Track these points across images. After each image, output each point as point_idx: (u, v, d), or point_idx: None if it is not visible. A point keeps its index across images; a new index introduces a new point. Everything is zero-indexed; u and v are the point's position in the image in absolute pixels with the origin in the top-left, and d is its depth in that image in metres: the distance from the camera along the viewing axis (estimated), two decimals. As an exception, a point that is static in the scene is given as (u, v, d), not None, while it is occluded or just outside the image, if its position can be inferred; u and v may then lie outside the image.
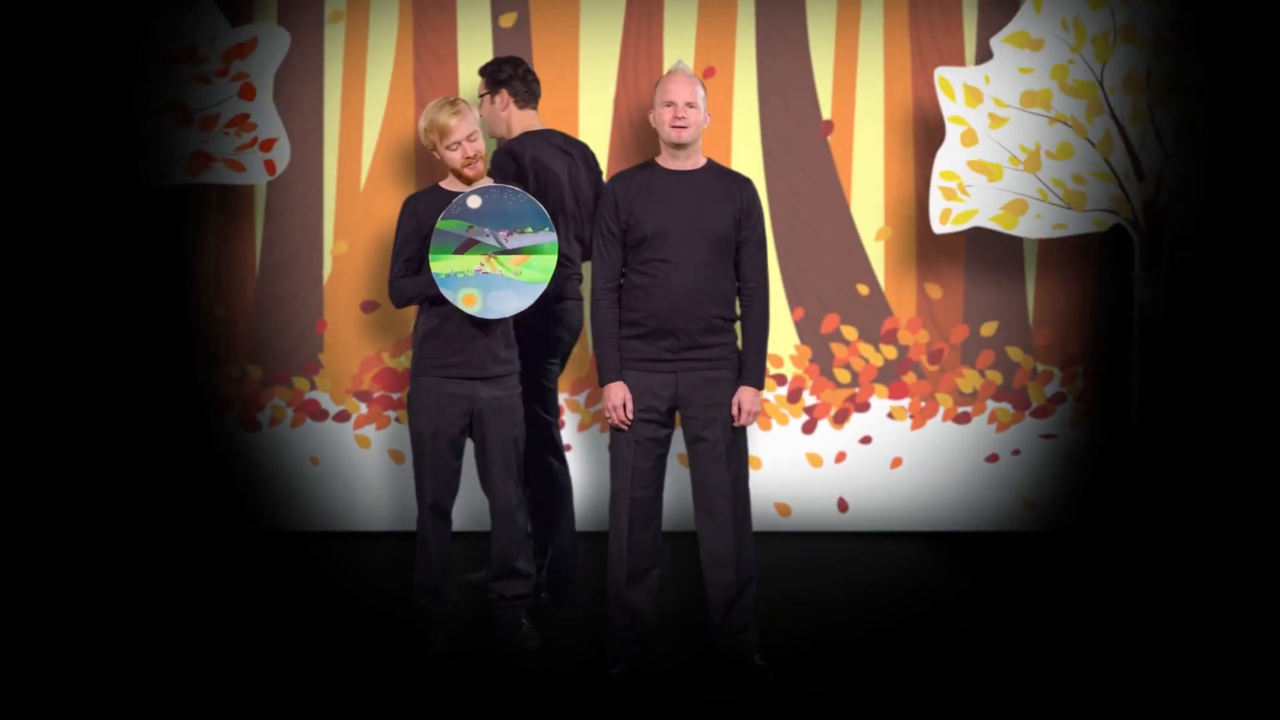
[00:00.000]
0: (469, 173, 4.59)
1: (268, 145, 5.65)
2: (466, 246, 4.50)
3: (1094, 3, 5.66)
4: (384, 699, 4.38)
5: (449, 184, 4.66)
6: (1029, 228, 5.74)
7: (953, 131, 5.71)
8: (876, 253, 6.10)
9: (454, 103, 4.61)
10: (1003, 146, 5.72)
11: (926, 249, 6.07)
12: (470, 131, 4.57)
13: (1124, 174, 5.73)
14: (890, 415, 6.19)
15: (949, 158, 5.73)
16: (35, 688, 4.42)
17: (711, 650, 4.64)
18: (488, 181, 4.66)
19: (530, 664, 4.67)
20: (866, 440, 6.17)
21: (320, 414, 6.12)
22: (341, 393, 6.12)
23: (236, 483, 6.04)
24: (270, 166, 5.68)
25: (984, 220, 5.73)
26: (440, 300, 4.54)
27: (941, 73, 5.71)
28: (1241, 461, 5.84)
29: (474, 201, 4.51)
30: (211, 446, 6.05)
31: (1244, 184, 5.69)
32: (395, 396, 6.12)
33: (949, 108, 5.70)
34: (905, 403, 6.18)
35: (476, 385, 4.64)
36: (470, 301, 4.51)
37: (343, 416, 6.14)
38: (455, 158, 4.58)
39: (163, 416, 5.97)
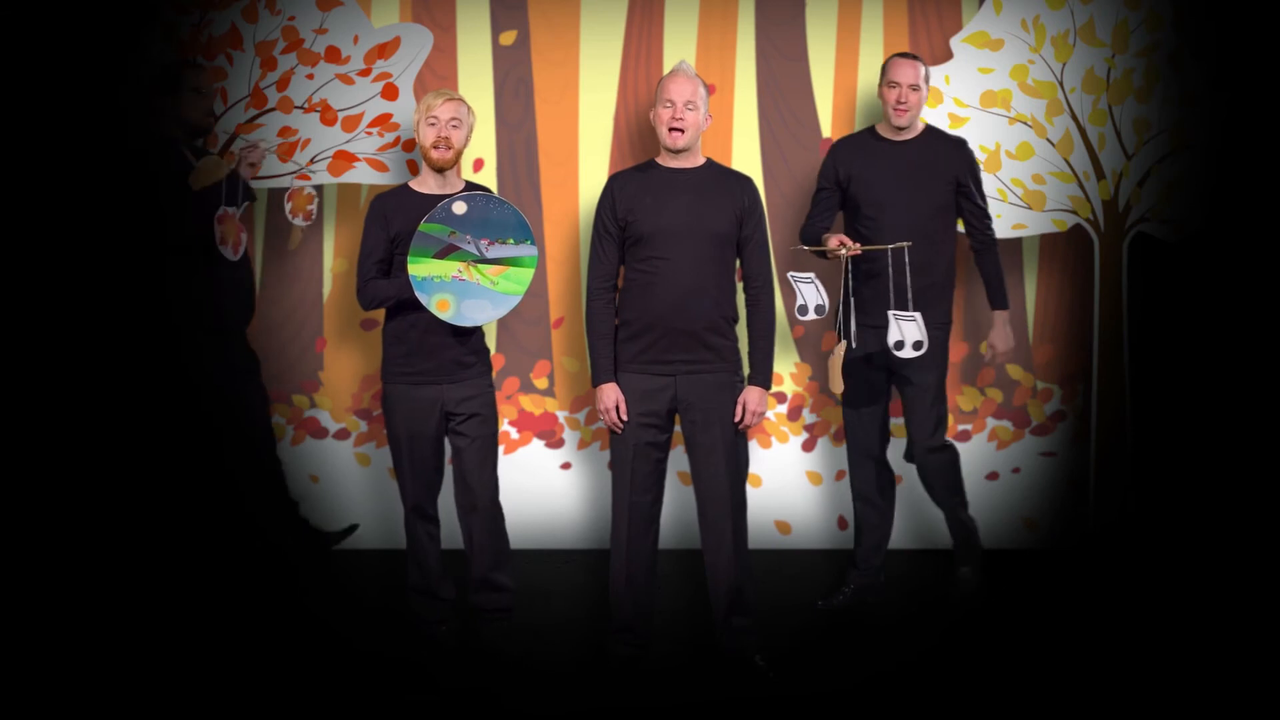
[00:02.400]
0: (435, 155, 4.62)
1: (410, 145, 5.67)
2: (446, 252, 4.52)
3: (1053, 3, 5.70)
4: (383, 699, 4.36)
5: (417, 184, 4.70)
6: (989, 227, 5.77)
7: (913, 131, 5.76)
8: (876, 270, 6.11)
9: (450, 93, 4.68)
10: None
11: (926, 266, 6.09)
12: (451, 117, 4.62)
13: (1083, 174, 5.76)
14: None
15: None
16: (40, 685, 4.42)
17: (711, 650, 4.63)
18: (460, 185, 4.69)
19: (530, 664, 4.65)
20: (870, 457, 6.15)
21: (320, 432, 6.11)
22: (341, 411, 6.12)
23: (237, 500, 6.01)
24: (413, 167, 5.68)
25: None
26: (413, 304, 4.54)
27: None
28: (1238, 474, 5.83)
29: (459, 207, 4.53)
30: (212, 464, 6.03)
31: (1210, 184, 5.71)
32: (395, 414, 6.11)
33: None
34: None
35: (445, 388, 4.65)
36: (444, 307, 4.51)
37: (342, 434, 6.13)
38: (428, 134, 4.62)
39: (164, 434, 5.94)
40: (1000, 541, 6.14)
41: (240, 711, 4.29)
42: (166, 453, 5.88)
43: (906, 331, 4.93)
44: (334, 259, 6.09)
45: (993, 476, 6.17)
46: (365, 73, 5.68)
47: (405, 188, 4.70)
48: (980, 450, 6.18)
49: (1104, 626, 5.05)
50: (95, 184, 5.69)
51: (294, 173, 5.70)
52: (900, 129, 5.26)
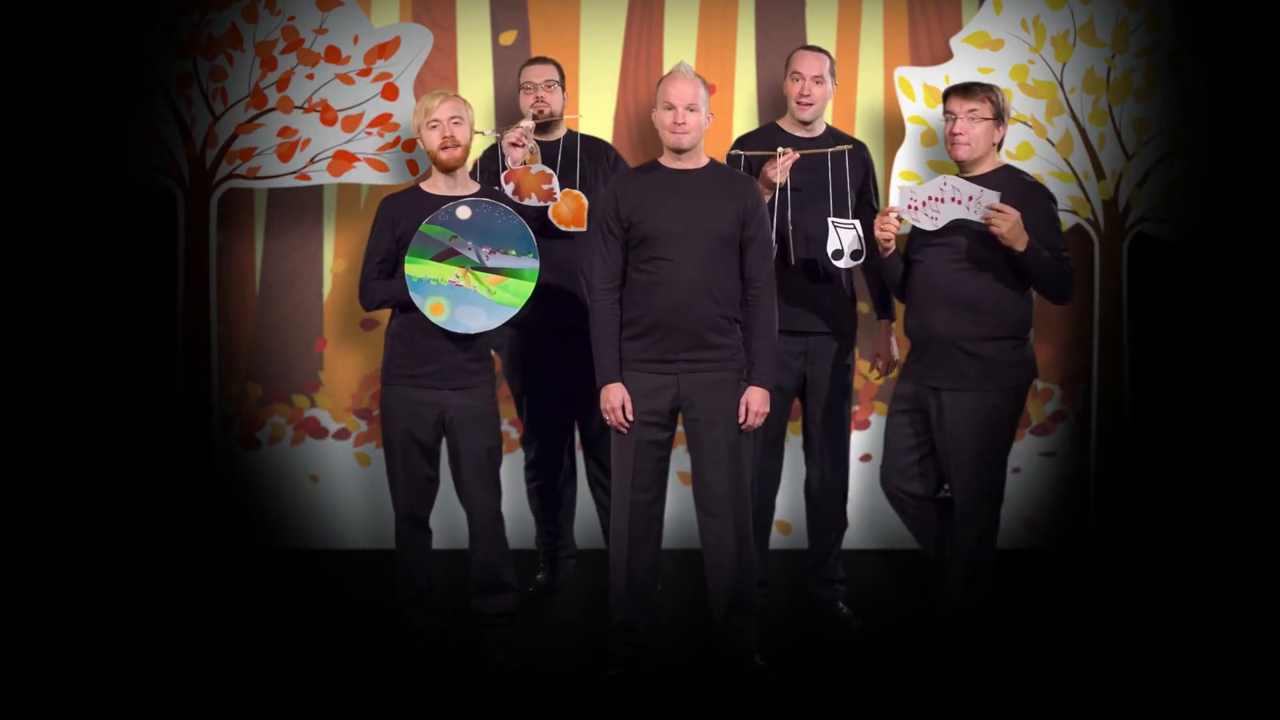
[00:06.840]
0: (444, 156, 4.58)
1: (410, 145, 5.67)
2: (445, 255, 4.49)
3: (1053, 3, 5.70)
4: (383, 699, 4.36)
5: (429, 185, 4.66)
6: (988, 227, 5.77)
7: (912, 131, 5.75)
8: (877, 270, 6.11)
9: (445, 91, 4.64)
10: None
11: (927, 266, 6.08)
12: (453, 115, 4.56)
13: (1083, 174, 5.76)
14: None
15: (908, 158, 5.76)
16: (38, 690, 4.41)
17: (711, 650, 4.62)
18: (473, 187, 4.67)
19: (530, 664, 4.65)
20: (866, 458, 6.14)
21: (320, 432, 6.11)
22: (341, 411, 6.12)
23: (236, 500, 6.00)
24: (413, 166, 5.68)
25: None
26: (411, 307, 4.52)
27: (901, 73, 5.74)
28: (1239, 473, 5.83)
29: (463, 212, 4.50)
30: (210, 464, 6.02)
31: (1210, 184, 5.71)
32: (395, 414, 6.11)
33: (908, 107, 5.73)
34: (905, 420, 6.16)
35: (446, 394, 4.59)
36: (438, 311, 4.48)
37: (342, 434, 6.13)
38: (433, 137, 4.57)
39: (162, 434, 5.94)
40: (1000, 541, 6.08)
41: (240, 713, 4.29)
42: (160, 451, 5.90)
43: (845, 239, 4.93)
44: (334, 259, 6.09)
45: (993, 476, 6.16)
46: (365, 73, 5.67)
47: (416, 189, 4.66)
48: (980, 450, 6.17)
49: (1104, 627, 5.05)
50: (91, 185, 5.70)
51: (294, 173, 5.70)
52: (804, 124, 5.16)
